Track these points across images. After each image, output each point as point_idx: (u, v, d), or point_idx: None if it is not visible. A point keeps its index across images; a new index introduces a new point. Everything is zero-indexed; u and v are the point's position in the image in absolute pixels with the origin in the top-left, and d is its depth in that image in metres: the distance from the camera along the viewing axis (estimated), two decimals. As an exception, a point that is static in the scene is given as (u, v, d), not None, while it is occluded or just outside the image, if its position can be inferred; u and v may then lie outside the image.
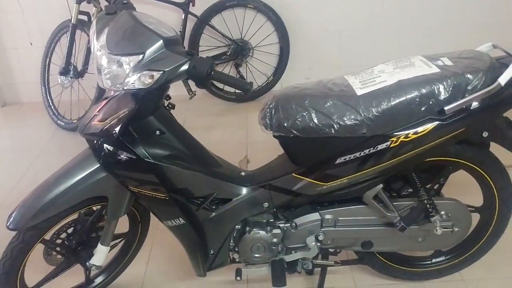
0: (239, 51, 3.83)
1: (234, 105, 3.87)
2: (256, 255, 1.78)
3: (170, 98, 1.73)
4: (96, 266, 1.83)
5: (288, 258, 1.83)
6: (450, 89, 1.52)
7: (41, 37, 3.75)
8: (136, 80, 1.44)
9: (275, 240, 1.76)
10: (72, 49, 3.44)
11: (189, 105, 3.85)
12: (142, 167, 1.58)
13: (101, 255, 1.81)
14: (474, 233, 1.94)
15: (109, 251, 1.87)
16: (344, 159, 1.61)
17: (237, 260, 1.84)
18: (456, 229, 1.79)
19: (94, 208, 1.83)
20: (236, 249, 1.80)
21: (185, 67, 1.45)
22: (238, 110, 3.79)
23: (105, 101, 1.65)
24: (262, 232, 1.75)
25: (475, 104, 1.53)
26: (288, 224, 1.76)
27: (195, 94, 3.75)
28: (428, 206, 1.73)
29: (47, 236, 1.77)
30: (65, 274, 1.92)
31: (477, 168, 1.76)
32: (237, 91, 3.94)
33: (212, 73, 1.46)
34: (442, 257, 1.99)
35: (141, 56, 1.44)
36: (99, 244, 1.81)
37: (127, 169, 1.60)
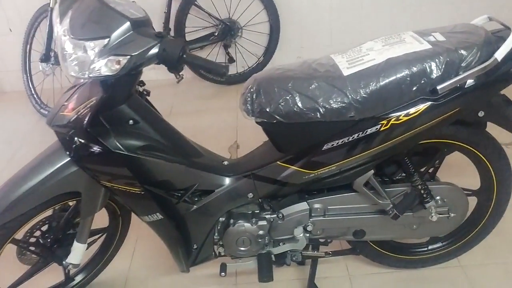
0: (227, 31, 3.69)
1: (224, 88, 3.75)
2: (242, 249, 1.69)
3: (144, 84, 1.62)
4: (73, 264, 1.74)
5: (276, 250, 1.74)
6: (443, 66, 1.40)
7: (20, 22, 3.60)
8: (102, 66, 1.33)
9: (261, 232, 1.66)
10: (53, 34, 3.30)
11: (177, 89, 3.73)
12: (113, 160, 1.47)
13: (77, 253, 1.72)
14: (472, 217, 1.85)
15: (87, 248, 1.78)
16: (332, 144, 1.50)
17: (222, 254, 1.75)
18: (452, 214, 1.69)
19: (70, 203, 1.73)
20: (221, 243, 1.71)
21: (154, 50, 1.34)
22: (228, 93, 3.67)
23: (73, 89, 1.54)
24: (247, 225, 1.65)
25: (470, 82, 1.42)
26: (275, 215, 1.66)
27: (182, 78, 3.61)
28: (422, 191, 1.63)
29: (19, 235, 1.67)
30: (44, 273, 1.83)
31: (474, 150, 1.66)
32: (227, 73, 3.82)
33: (184, 56, 1.35)
34: (438, 243, 1.90)
35: (106, 40, 1.32)
36: (75, 242, 1.71)
37: (97, 162, 1.49)
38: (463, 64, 1.41)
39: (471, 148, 1.66)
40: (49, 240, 1.73)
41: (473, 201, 1.81)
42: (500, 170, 1.70)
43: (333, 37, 3.82)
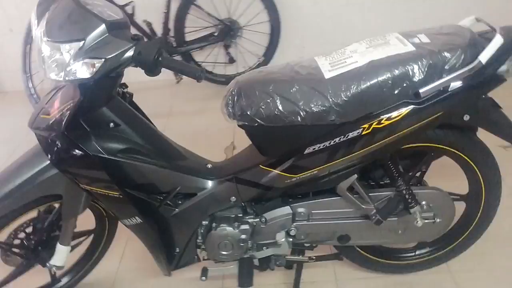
0: (227, 31, 3.67)
1: (224, 88, 3.70)
2: (224, 253, 1.67)
3: (126, 86, 1.61)
4: (57, 266, 1.73)
5: (259, 254, 1.72)
6: (426, 69, 1.37)
7: (20, 22, 3.61)
8: (77, 69, 1.32)
9: (243, 236, 1.64)
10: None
11: (177, 89, 3.73)
12: (91, 163, 1.46)
13: (61, 255, 1.71)
14: (461, 223, 1.81)
15: (71, 250, 1.78)
16: (313, 148, 1.48)
17: (205, 258, 1.73)
18: (438, 220, 1.66)
19: (56, 205, 1.73)
20: (204, 247, 1.69)
21: (129, 53, 1.33)
22: (227, 93, 3.64)
23: (54, 91, 1.53)
24: (229, 228, 1.63)
25: (454, 85, 1.39)
26: (257, 219, 1.65)
27: (182, 78, 3.62)
28: (407, 196, 1.60)
29: (3, 237, 1.67)
30: (31, 274, 1.82)
31: (461, 154, 1.63)
32: (227, 73, 3.81)
33: (160, 59, 1.33)
34: (426, 248, 1.86)
35: (81, 43, 1.31)
36: (58, 244, 1.71)
37: (76, 165, 1.49)
38: (446, 67, 1.38)
39: (458, 153, 1.62)
40: (33, 242, 1.72)
41: (462, 206, 1.78)
42: (488, 176, 1.66)
43: (335, 36, 3.77)
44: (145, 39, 1.33)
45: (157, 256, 1.69)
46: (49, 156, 1.50)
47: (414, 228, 1.66)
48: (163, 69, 1.38)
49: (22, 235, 1.72)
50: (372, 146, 1.46)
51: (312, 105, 1.41)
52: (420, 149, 1.62)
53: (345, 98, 1.39)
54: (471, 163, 1.64)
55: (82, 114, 1.44)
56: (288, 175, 1.53)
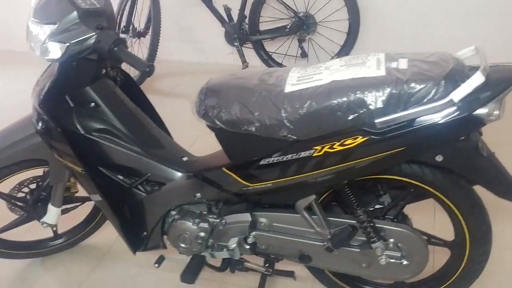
0: (301, 25, 3.62)
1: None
2: (182, 245, 1.70)
3: (118, 70, 1.69)
4: (48, 224, 1.90)
5: (219, 255, 1.72)
6: (386, 98, 1.24)
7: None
8: (49, 50, 1.43)
9: (201, 234, 1.65)
10: (134, 8, 3.55)
11: (243, 76, 3.76)
12: (59, 137, 1.57)
13: (52, 214, 1.88)
14: (443, 270, 1.64)
15: (67, 212, 1.94)
16: (268, 161, 1.44)
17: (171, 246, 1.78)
18: (404, 262, 1.51)
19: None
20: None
21: (91, 41, 1.40)
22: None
23: (48, 66, 1.67)
24: (188, 223, 1.66)
25: (420, 120, 1.24)
26: (218, 220, 1.65)
27: (247, 66, 3.66)
28: (368, 229, 1.48)
29: (6, 189, 1.87)
30: (37, 226, 2.02)
31: (444, 198, 1.45)
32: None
33: (115, 49, 1.40)
34: (403, 288, 1.71)
35: (55, 26, 1.42)
36: (49, 204, 1.87)
37: (50, 137, 1.61)
38: (412, 99, 1.24)
39: (440, 196, 1.45)
40: (33, 198, 1.91)
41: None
42: (473, 225, 1.46)
43: (416, 43, 3.55)
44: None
45: (120, 234, 1.76)
46: (35, 124, 1.64)
47: (379, 265, 1.53)
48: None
49: (25, 189, 1.92)
50: (324, 170, 1.37)
51: (266, 117, 1.36)
52: (397, 183, 1.48)
53: (297, 116, 1.32)
54: (455, 210, 1.46)
55: (65, 91, 1.56)
56: (245, 182, 1.51)
